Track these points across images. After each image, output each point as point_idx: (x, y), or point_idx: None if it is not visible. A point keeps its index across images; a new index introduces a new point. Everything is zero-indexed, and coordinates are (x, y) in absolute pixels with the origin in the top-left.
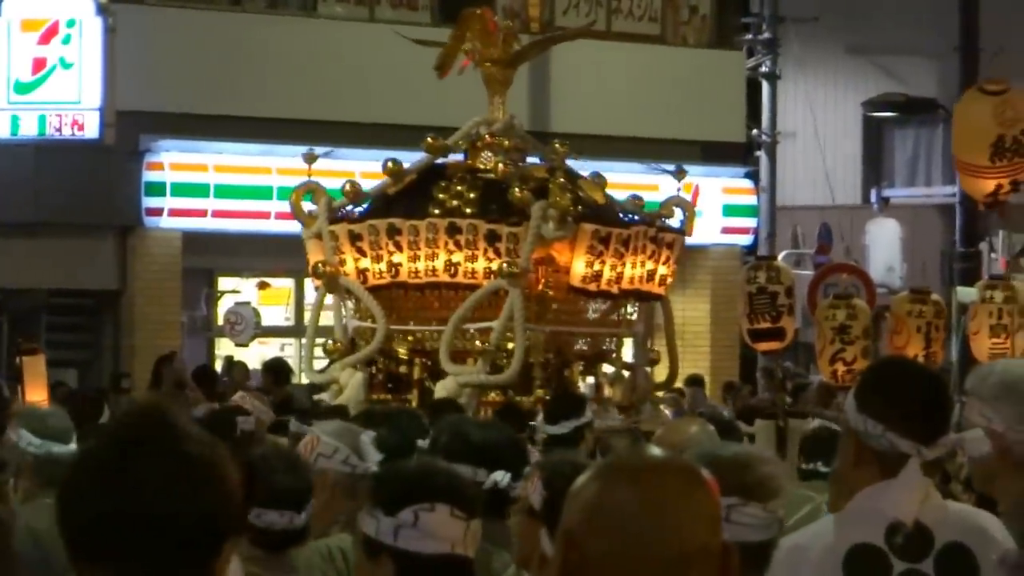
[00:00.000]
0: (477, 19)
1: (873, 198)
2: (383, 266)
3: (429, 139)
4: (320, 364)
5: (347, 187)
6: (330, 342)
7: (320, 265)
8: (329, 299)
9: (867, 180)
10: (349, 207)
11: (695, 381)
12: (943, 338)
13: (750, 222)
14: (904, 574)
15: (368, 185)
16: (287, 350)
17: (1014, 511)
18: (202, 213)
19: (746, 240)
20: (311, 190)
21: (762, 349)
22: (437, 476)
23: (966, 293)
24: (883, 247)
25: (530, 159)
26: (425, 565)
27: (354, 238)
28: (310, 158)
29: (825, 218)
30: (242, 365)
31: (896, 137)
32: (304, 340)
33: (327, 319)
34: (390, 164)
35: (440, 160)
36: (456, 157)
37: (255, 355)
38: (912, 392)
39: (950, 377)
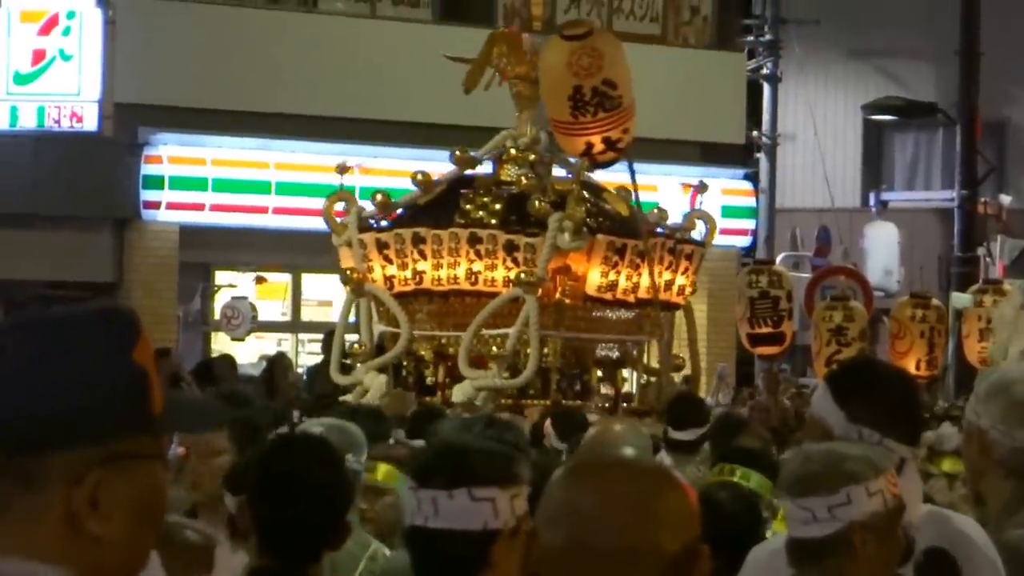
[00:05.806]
0: (505, 37)
1: (872, 201)
2: (408, 273)
3: (457, 152)
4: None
5: (378, 197)
6: (355, 345)
7: (348, 271)
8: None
9: (866, 183)
10: (380, 216)
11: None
12: (944, 343)
13: (748, 224)
14: None
15: (362, 180)
16: (284, 344)
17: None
18: (200, 207)
19: (744, 242)
20: (343, 199)
21: (761, 353)
22: None
23: (960, 299)
24: (881, 251)
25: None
26: None
27: (381, 246)
28: (342, 168)
29: (824, 221)
30: (229, 359)
31: (895, 140)
32: (301, 336)
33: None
34: (419, 176)
35: (469, 172)
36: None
37: (253, 350)
38: (900, 395)
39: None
